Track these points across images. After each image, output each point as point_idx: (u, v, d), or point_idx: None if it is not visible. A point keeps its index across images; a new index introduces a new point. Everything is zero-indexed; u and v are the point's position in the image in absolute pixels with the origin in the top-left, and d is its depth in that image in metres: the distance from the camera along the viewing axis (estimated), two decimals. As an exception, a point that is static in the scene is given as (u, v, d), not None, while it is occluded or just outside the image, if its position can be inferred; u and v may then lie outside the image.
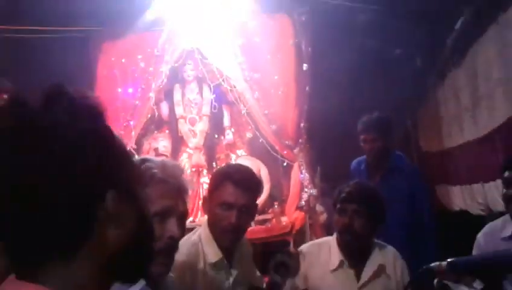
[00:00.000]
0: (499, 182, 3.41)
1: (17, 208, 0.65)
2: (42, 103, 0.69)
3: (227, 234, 1.93)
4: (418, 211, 3.11)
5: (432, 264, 1.01)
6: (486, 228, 2.25)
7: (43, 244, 0.66)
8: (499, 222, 2.22)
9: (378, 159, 3.25)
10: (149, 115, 4.86)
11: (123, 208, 0.70)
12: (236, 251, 2.05)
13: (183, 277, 1.86)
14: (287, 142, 4.58)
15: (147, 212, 0.76)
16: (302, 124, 4.57)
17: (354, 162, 3.49)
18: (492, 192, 3.57)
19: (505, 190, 2.05)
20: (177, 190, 1.46)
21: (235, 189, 1.92)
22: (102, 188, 0.69)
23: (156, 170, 1.41)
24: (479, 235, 2.21)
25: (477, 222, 3.23)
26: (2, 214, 0.65)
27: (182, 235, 1.55)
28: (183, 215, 1.50)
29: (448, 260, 0.98)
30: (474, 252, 2.19)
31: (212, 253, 1.94)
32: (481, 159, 3.79)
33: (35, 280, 0.65)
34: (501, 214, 2.46)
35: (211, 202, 1.98)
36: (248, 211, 1.96)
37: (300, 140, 4.57)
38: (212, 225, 1.98)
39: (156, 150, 4.84)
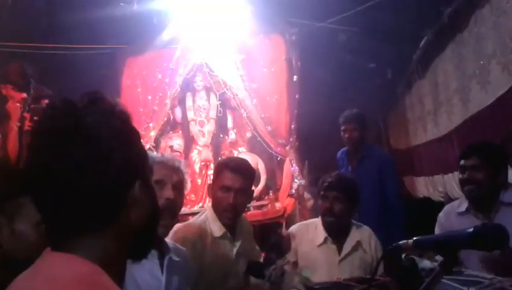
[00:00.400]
0: (456, 173, 3.44)
1: (67, 189, 0.66)
2: (84, 105, 0.70)
3: (226, 213, 1.97)
4: (388, 193, 3.16)
5: (401, 242, 1.02)
6: (446, 207, 2.27)
7: (86, 218, 0.67)
8: (456, 202, 2.25)
9: (355, 146, 3.31)
10: (165, 118, 4.86)
11: (144, 195, 0.72)
12: (237, 227, 2.08)
13: (195, 248, 1.88)
14: (280, 140, 4.59)
15: (156, 198, 0.78)
16: (292, 126, 4.58)
17: (339, 152, 3.56)
18: (451, 182, 3.59)
19: (460, 175, 2.06)
20: (172, 166, 1.58)
21: (232, 175, 1.96)
22: (133, 178, 0.70)
23: (155, 158, 1.56)
24: (440, 214, 2.23)
25: (438, 207, 3.24)
26: (51, 193, 0.66)
27: (180, 201, 1.63)
28: (178, 185, 1.58)
29: (414, 238, 0.99)
30: (436, 228, 2.20)
31: (217, 229, 1.98)
32: (441, 154, 3.80)
33: (70, 252, 0.66)
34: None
35: (213, 187, 2.02)
36: (244, 193, 2.00)
37: (291, 139, 4.58)
38: (215, 206, 2.02)
39: (171, 147, 4.85)
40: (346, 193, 2.18)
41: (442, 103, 3.74)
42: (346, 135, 3.29)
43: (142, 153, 0.75)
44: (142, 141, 0.80)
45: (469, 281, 1.22)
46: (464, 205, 2.09)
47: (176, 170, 1.59)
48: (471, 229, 0.84)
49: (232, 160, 2.19)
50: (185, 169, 1.64)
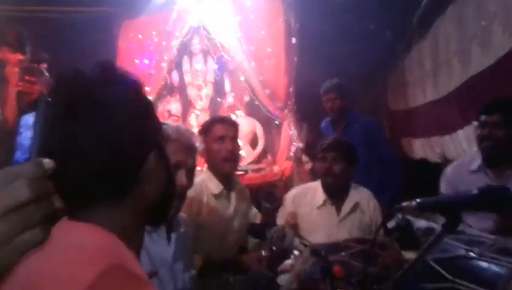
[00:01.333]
0: (453, 135, 3.45)
1: (81, 161, 0.65)
2: (95, 75, 0.68)
3: (227, 162, 2.04)
4: (382, 153, 3.21)
5: (403, 204, 1.01)
6: (455, 163, 2.25)
7: (101, 190, 0.67)
8: (466, 158, 2.23)
9: (338, 115, 3.36)
10: (162, 82, 4.78)
11: (158, 166, 0.71)
12: (234, 187, 2.13)
13: (191, 209, 1.92)
14: (278, 104, 4.55)
15: (171, 169, 0.76)
16: (291, 89, 4.53)
17: (322, 122, 3.62)
18: (448, 143, 3.59)
19: (479, 131, 2.04)
20: (186, 147, 1.52)
21: (223, 125, 2.09)
22: (147, 149, 0.69)
23: (170, 132, 1.45)
24: (448, 170, 2.21)
25: (434, 168, 3.27)
26: (65, 165, 0.65)
27: (191, 184, 1.60)
28: (192, 169, 1.56)
29: (417, 200, 0.99)
30: (443, 184, 2.20)
31: (214, 186, 2.05)
32: (439, 116, 3.78)
33: (88, 221, 0.66)
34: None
35: (207, 145, 2.04)
36: (237, 141, 2.13)
37: (289, 102, 4.54)
38: (212, 162, 2.06)
39: (168, 111, 4.81)
40: (344, 153, 2.20)
41: (441, 64, 3.69)
42: (328, 105, 3.36)
43: (155, 123, 0.74)
44: (154, 111, 0.78)
45: (472, 241, 1.23)
46: (477, 163, 2.08)
47: (191, 152, 1.55)
48: (476, 191, 0.84)
49: (217, 116, 2.33)
50: (199, 144, 1.65)
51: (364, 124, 3.30)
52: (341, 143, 2.25)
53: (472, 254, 1.19)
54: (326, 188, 2.25)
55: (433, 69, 3.92)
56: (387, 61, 5.16)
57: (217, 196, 2.07)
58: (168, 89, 4.93)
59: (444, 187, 2.20)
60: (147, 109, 0.72)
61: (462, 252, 1.21)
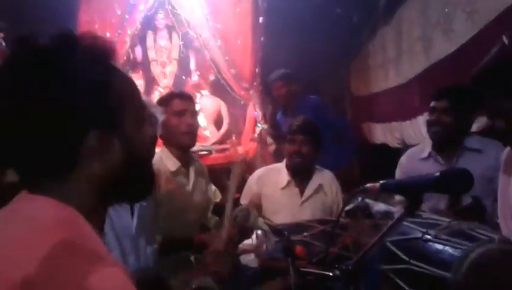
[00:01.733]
0: (413, 120, 3.54)
1: (15, 132, 0.63)
2: (50, 44, 0.65)
3: (187, 136, 2.05)
4: (333, 124, 3.41)
5: (367, 185, 1.03)
6: (408, 152, 2.33)
7: (43, 164, 0.65)
8: (418, 147, 2.31)
9: (287, 102, 3.58)
10: (125, 58, 4.62)
11: (108, 147, 0.67)
12: (191, 163, 2.12)
13: None
14: (244, 84, 4.52)
15: (138, 152, 0.71)
16: (257, 69, 4.51)
17: (277, 116, 3.80)
18: (408, 129, 3.69)
19: (429, 116, 2.10)
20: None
21: (182, 100, 2.10)
22: (84, 127, 0.65)
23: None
24: (402, 158, 2.28)
25: (394, 153, 3.35)
26: (11, 135, 0.64)
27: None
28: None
29: (381, 181, 1.00)
30: (397, 172, 2.26)
31: (171, 163, 2.04)
32: (400, 102, 3.87)
33: (45, 195, 0.64)
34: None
35: (166, 120, 2.00)
36: (196, 116, 2.17)
37: (255, 83, 4.52)
38: (170, 137, 2.03)
39: (131, 88, 4.68)
40: (313, 135, 2.22)
41: (404, 51, 3.76)
42: (275, 93, 3.57)
43: (104, 101, 0.67)
44: (128, 86, 0.72)
45: (427, 224, 1.27)
46: (427, 150, 2.15)
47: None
48: (438, 174, 0.86)
49: (174, 91, 2.35)
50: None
51: (311, 104, 3.46)
52: (310, 125, 2.27)
53: (428, 237, 1.22)
54: (292, 169, 2.27)
55: (396, 55, 3.98)
56: (351, 46, 5.20)
57: (174, 173, 2.06)
58: (131, 65, 4.77)
59: (398, 174, 2.26)
60: (95, 83, 0.66)
61: (418, 234, 1.24)
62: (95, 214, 0.67)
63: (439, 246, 1.18)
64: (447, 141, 2.06)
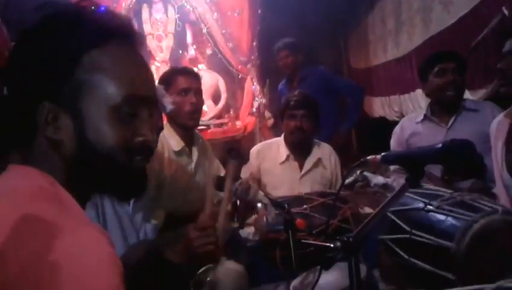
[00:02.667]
0: (412, 94, 3.53)
1: None
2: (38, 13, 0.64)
3: (192, 115, 2.00)
4: (343, 89, 3.45)
5: (368, 157, 1.03)
6: (402, 120, 2.34)
7: (9, 132, 0.67)
8: (412, 114, 2.35)
9: (292, 71, 3.50)
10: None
11: (57, 121, 0.66)
12: (195, 142, 2.09)
13: (152, 165, 1.87)
14: (241, 58, 4.47)
15: (93, 137, 0.66)
16: (254, 43, 4.45)
17: (280, 85, 3.73)
18: (406, 102, 3.68)
19: (438, 79, 2.06)
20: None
21: (187, 77, 2.01)
22: (35, 96, 0.65)
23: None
24: (396, 127, 2.30)
25: (393, 127, 3.34)
26: None
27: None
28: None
29: (382, 153, 1.00)
30: (392, 140, 2.28)
31: (176, 143, 1.99)
32: (399, 75, 3.84)
33: (27, 164, 0.66)
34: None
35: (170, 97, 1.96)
36: (201, 94, 2.06)
37: (252, 57, 4.47)
38: (175, 116, 1.98)
39: (127, 63, 4.62)
40: (313, 110, 2.21)
41: (403, 23, 3.71)
42: (282, 62, 3.50)
43: (64, 74, 0.65)
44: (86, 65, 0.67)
45: (429, 195, 1.27)
46: (421, 116, 2.17)
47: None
48: (440, 145, 0.85)
49: (177, 67, 2.22)
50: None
51: (319, 74, 3.43)
52: (310, 99, 2.25)
53: (430, 207, 1.22)
54: (292, 144, 2.26)
55: (395, 27, 3.94)
56: (350, 19, 5.13)
57: (178, 153, 2.02)
58: (126, 39, 4.71)
59: (393, 143, 2.27)
60: (63, 57, 0.65)
61: (420, 205, 1.25)
62: (69, 189, 0.66)
63: (442, 217, 1.18)
64: (449, 102, 2.06)
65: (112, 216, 1.46)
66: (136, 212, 1.54)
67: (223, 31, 4.38)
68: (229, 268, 1.22)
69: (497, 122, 1.62)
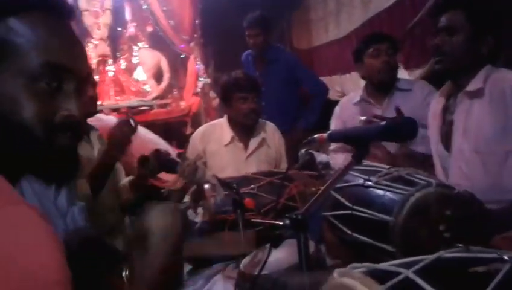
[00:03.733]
0: (353, 74, 3.61)
1: None
2: None
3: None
4: (307, 85, 3.28)
5: (315, 135, 1.04)
6: (341, 101, 2.40)
7: None
8: (350, 95, 2.41)
9: (260, 51, 3.25)
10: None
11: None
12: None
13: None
14: (184, 36, 4.36)
15: (6, 102, 0.62)
16: (197, 21, 4.36)
17: (244, 55, 3.48)
18: (348, 82, 3.77)
19: (371, 60, 2.13)
20: None
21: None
22: None
23: None
24: (336, 107, 2.35)
25: (335, 106, 3.42)
26: None
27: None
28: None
29: (329, 131, 1.02)
30: (333, 120, 2.33)
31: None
32: (340, 55, 3.92)
33: None
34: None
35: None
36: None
37: (195, 35, 4.38)
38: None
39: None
40: (258, 92, 2.19)
41: (344, 4, 3.78)
42: (251, 41, 3.22)
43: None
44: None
45: (368, 171, 1.32)
46: (357, 97, 2.24)
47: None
48: (384, 123, 0.88)
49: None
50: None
51: (286, 61, 3.27)
52: (252, 81, 2.23)
53: (369, 183, 1.27)
54: (243, 126, 2.23)
55: (336, 8, 4.00)
56: (293, -1, 5.14)
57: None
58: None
59: (333, 123, 2.33)
60: None
61: (360, 181, 1.30)
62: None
63: (380, 192, 1.23)
64: (384, 83, 2.13)
65: (32, 200, 1.37)
66: (58, 196, 1.46)
67: (164, 8, 4.26)
68: (156, 208, 1.21)
69: (435, 101, 1.70)
